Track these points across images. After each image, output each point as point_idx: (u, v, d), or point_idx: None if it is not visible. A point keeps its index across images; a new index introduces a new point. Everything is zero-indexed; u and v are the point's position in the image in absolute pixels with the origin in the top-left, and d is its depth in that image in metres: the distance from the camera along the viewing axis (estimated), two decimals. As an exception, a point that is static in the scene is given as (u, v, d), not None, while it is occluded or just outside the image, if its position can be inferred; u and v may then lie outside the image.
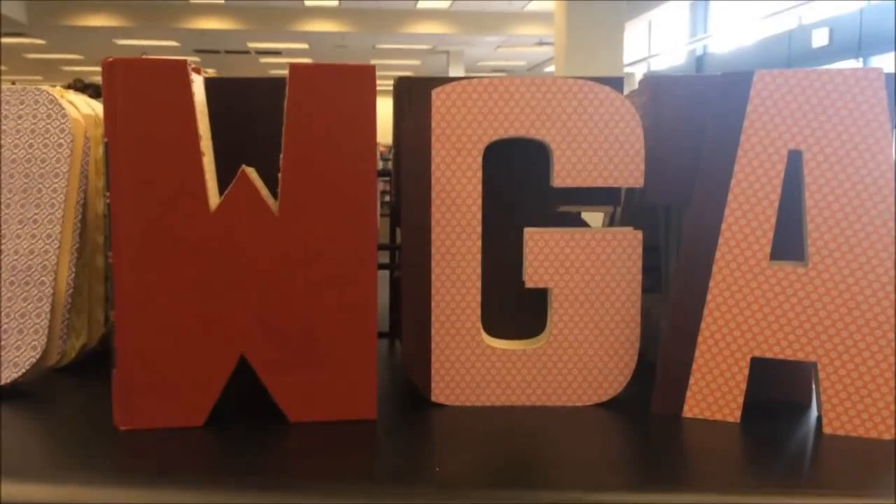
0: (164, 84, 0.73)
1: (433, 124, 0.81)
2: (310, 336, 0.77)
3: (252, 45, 14.62)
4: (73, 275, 0.91)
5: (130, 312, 0.74)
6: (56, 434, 0.75)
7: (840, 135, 0.74)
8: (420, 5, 12.24)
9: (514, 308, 0.87)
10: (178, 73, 0.73)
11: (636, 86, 0.92)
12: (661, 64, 13.04)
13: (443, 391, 0.84)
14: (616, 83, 0.84)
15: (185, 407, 0.76)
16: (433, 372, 0.83)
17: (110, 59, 0.72)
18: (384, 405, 0.83)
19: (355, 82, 0.75)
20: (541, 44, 13.92)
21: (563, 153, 0.82)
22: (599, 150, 0.82)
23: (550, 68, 14.90)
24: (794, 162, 0.76)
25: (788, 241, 0.78)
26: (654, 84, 0.83)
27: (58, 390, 0.88)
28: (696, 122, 0.80)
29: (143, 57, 0.73)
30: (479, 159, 0.82)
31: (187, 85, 0.73)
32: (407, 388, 0.88)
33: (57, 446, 0.72)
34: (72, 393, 0.88)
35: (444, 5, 12.26)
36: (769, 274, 0.76)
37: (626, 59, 8.84)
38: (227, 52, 15.53)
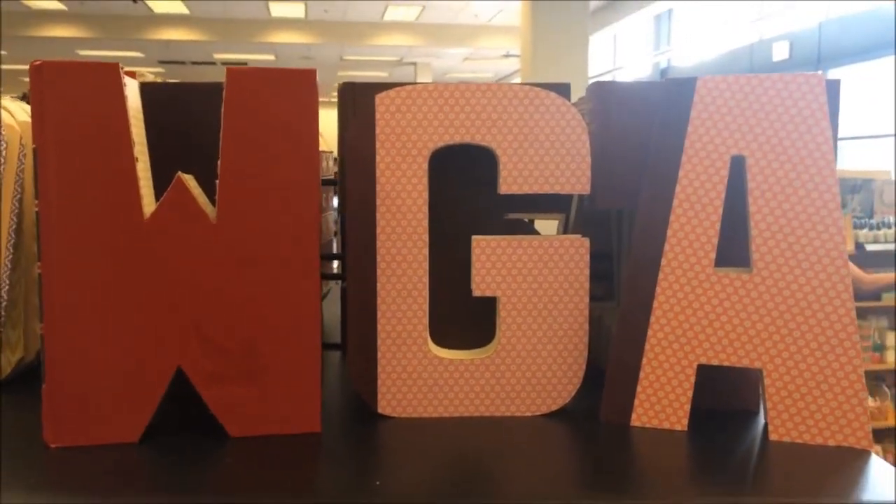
0: (95, 88, 0.70)
1: (377, 130, 0.80)
2: (250, 347, 0.75)
3: (218, 56, 14.51)
4: (7, 286, 0.87)
5: (60, 324, 0.71)
6: (-17, 452, 0.72)
7: (782, 140, 0.74)
8: (387, 17, 12.25)
9: (464, 317, 0.86)
10: (110, 77, 0.71)
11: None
12: (625, 76, 13.19)
13: (389, 403, 0.82)
14: (563, 89, 0.83)
15: (119, 423, 0.73)
16: (379, 383, 0.82)
17: (38, 62, 0.69)
18: (330, 418, 0.81)
19: (295, 87, 0.73)
20: (507, 56, 14.01)
21: (510, 160, 0.81)
22: (546, 157, 0.81)
23: (517, 80, 15.00)
24: (738, 167, 0.76)
25: (735, 248, 0.78)
26: (601, 90, 0.82)
27: (-11, 407, 0.84)
28: (642, 127, 0.80)
29: (74, 60, 0.71)
30: (425, 166, 0.80)
31: (120, 89, 0.71)
32: (354, 401, 0.86)
33: (-18, 465, 0.69)
34: (4, 409, 0.84)
35: (412, 17, 12.28)
36: (714, 280, 0.76)
37: (592, 71, 8.92)
38: (193, 63, 15.39)
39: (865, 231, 3.89)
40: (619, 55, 13.60)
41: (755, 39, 9.34)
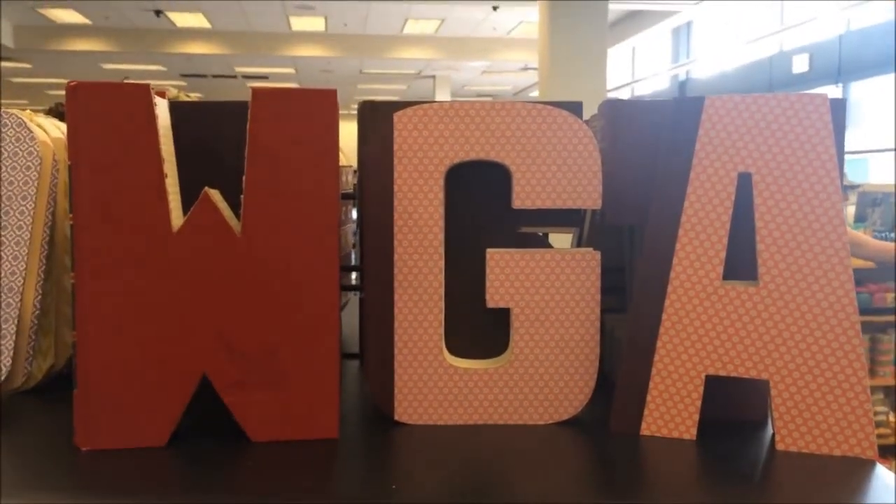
0: (127, 107, 0.74)
1: (395, 147, 0.83)
2: (272, 356, 0.77)
3: (239, 69, 14.68)
4: (39, 296, 0.91)
5: (91, 332, 0.75)
6: (17, 454, 0.75)
7: (787, 157, 0.76)
8: (407, 30, 12.35)
9: (478, 328, 0.89)
10: (141, 97, 0.74)
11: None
12: (644, 89, 13.19)
13: (406, 410, 0.84)
14: (575, 108, 0.86)
15: (146, 427, 0.76)
16: (396, 391, 0.84)
17: (74, 83, 0.73)
18: (349, 424, 0.84)
19: (317, 106, 0.77)
20: (526, 69, 14.06)
21: (523, 175, 0.84)
22: (558, 173, 0.84)
23: (535, 93, 15.05)
24: (745, 184, 0.78)
25: (742, 262, 0.80)
26: (611, 108, 0.85)
27: (22, 411, 0.88)
28: (651, 145, 0.82)
29: (107, 81, 0.75)
30: (441, 181, 0.83)
31: (150, 108, 0.74)
32: (372, 408, 0.89)
33: (17, 466, 0.72)
34: (36, 414, 0.88)
35: (431, 30, 12.37)
36: (722, 293, 0.78)
37: (610, 84, 8.94)
38: (214, 76, 15.58)
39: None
40: (638, 68, 13.61)
41: (775, 52, 9.32)
